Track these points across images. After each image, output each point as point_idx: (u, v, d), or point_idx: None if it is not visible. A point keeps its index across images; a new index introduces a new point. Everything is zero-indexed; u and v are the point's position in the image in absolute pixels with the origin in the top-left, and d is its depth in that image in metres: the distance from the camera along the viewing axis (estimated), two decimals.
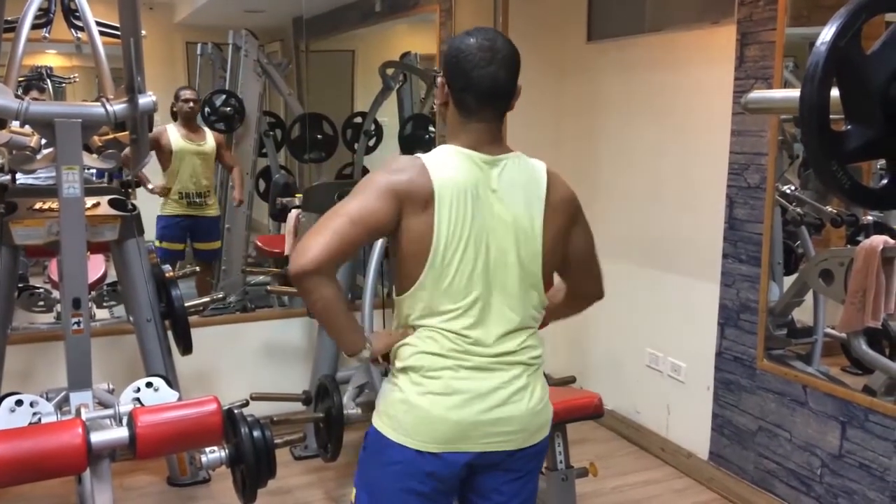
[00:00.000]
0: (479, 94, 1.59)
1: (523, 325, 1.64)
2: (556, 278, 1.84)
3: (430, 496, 1.62)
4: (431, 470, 1.60)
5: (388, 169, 1.59)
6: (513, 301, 1.62)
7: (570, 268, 1.77)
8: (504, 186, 1.60)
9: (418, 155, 1.60)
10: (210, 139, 4.36)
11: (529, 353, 1.65)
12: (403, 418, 1.60)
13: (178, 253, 4.41)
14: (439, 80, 1.64)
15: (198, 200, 4.40)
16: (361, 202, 1.54)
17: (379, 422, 1.66)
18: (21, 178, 3.30)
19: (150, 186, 4.04)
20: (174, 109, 4.29)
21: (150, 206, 4.28)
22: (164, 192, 4.30)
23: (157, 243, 4.20)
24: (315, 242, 1.50)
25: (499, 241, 1.59)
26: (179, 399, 2.56)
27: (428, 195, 1.54)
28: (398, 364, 1.64)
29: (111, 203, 2.95)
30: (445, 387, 1.58)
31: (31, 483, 2.59)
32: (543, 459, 1.79)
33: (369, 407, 2.54)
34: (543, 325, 1.85)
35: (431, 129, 4.27)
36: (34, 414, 2.42)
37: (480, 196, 1.58)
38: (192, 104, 4.27)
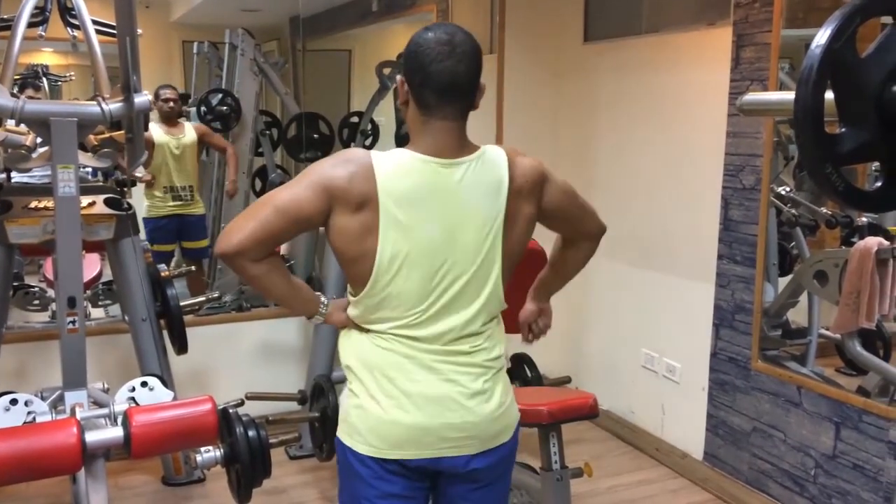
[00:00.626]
0: (437, 90, 1.52)
1: (476, 329, 1.60)
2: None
3: (405, 496, 1.62)
4: (393, 469, 1.59)
5: (332, 160, 1.55)
6: (465, 306, 1.58)
7: (562, 220, 1.76)
8: (464, 189, 1.54)
9: (371, 153, 1.54)
10: (190, 132, 4.38)
11: (484, 356, 1.61)
12: (358, 423, 1.60)
13: (169, 254, 4.42)
14: (398, 77, 1.58)
15: (183, 194, 4.40)
16: (291, 193, 1.52)
17: (339, 430, 1.65)
18: (16, 177, 3.29)
19: (138, 174, 4.02)
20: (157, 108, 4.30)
21: (145, 206, 4.30)
22: (151, 184, 4.31)
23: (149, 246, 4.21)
24: (240, 228, 1.51)
25: (454, 247, 1.55)
26: (174, 398, 2.56)
27: (365, 199, 1.50)
28: (352, 366, 1.64)
29: (107, 202, 2.95)
30: (396, 391, 1.57)
31: (26, 482, 2.58)
32: (511, 465, 1.74)
33: None
34: (563, 282, 1.91)
35: None
36: (29, 413, 2.42)
37: (434, 202, 1.53)
38: (171, 104, 4.29)
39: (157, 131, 4.26)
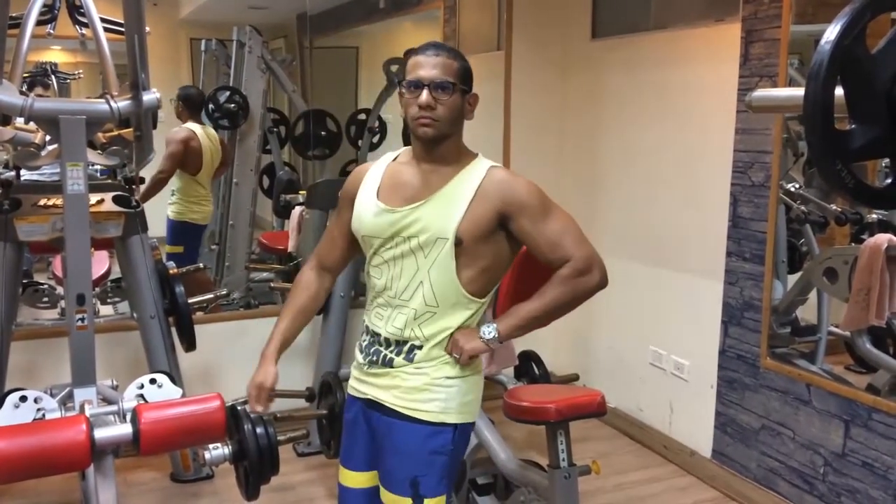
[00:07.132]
0: None
1: None
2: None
3: None
4: None
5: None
6: None
7: None
8: None
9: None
10: None
11: None
12: None
13: None
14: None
15: None
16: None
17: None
18: (25, 175, 3.30)
19: None
20: None
21: (154, 203, 4.29)
22: None
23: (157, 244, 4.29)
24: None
25: None
26: (183, 395, 2.57)
27: None
28: None
29: (115, 199, 2.95)
30: None
31: (36, 479, 2.59)
32: None
33: None
34: None
35: None
36: (38, 410, 2.43)
37: None
38: None
39: None
